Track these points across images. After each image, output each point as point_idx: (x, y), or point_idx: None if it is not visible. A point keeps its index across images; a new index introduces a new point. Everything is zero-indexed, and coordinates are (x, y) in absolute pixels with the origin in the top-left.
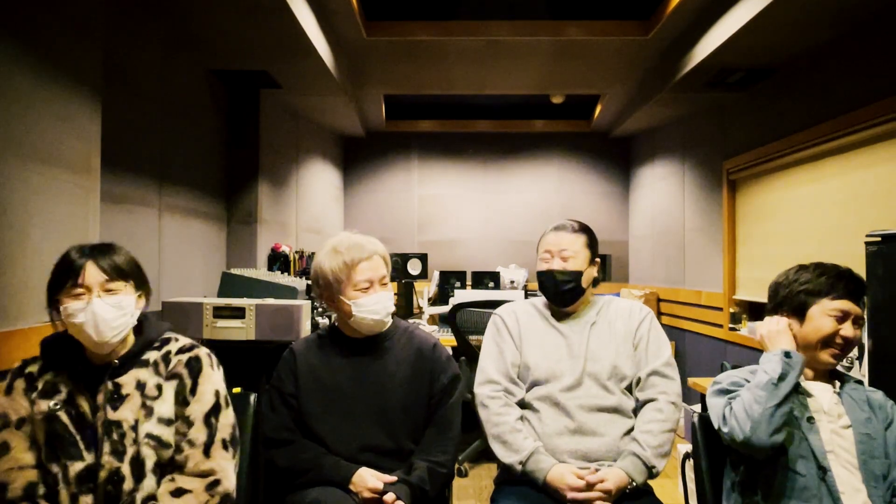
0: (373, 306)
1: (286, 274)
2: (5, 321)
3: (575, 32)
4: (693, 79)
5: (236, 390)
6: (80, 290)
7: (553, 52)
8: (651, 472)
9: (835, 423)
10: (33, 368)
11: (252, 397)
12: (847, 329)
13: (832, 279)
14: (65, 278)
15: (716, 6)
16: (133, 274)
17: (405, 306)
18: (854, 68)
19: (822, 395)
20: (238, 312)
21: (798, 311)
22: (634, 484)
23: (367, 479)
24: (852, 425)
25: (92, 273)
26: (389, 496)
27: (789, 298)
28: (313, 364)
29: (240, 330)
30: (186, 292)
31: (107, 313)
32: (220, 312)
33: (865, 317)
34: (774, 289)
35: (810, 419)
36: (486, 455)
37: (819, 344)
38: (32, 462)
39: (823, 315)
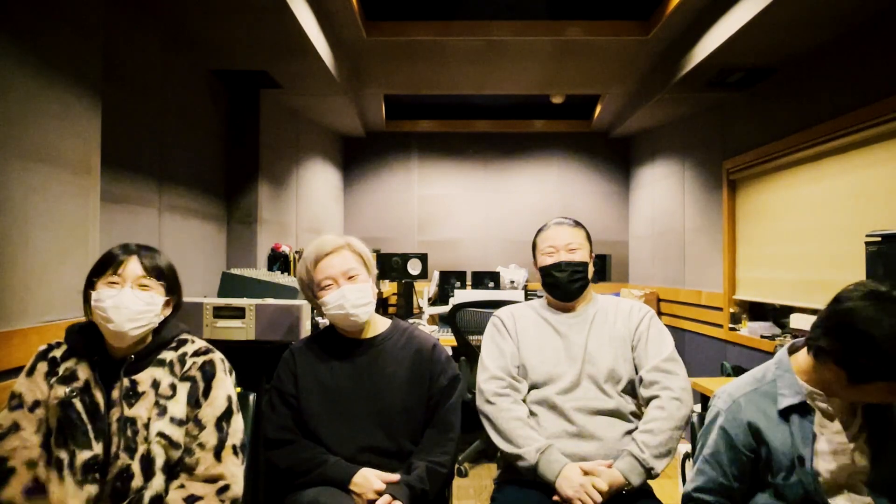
0: (336, 302)
1: (286, 274)
2: (5, 321)
3: (575, 32)
4: (693, 79)
5: (237, 390)
6: (115, 279)
7: (553, 52)
8: (649, 474)
9: (847, 450)
10: (57, 353)
11: (252, 397)
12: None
13: None
14: (105, 266)
15: (716, 6)
16: (168, 278)
17: (405, 306)
18: (854, 68)
19: (841, 415)
20: (238, 312)
21: (853, 374)
22: (630, 486)
23: (373, 480)
24: (868, 442)
25: (132, 267)
26: (385, 498)
27: (849, 359)
28: (313, 365)
29: (240, 330)
30: (186, 292)
31: (133, 304)
32: (220, 312)
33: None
34: (839, 321)
35: (801, 458)
36: (486, 455)
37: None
38: (37, 443)
39: (881, 392)
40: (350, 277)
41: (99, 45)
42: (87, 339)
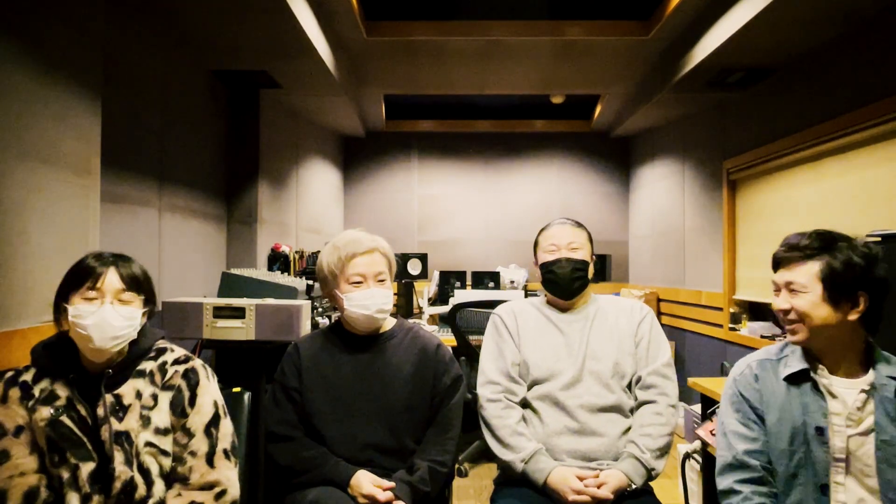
0: (363, 301)
1: (286, 274)
2: (5, 321)
3: (575, 32)
4: (693, 79)
5: (236, 390)
6: (94, 294)
7: (553, 52)
8: (650, 475)
9: (854, 427)
10: (27, 377)
11: (246, 396)
12: (779, 300)
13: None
14: (82, 279)
15: (716, 6)
16: (146, 288)
17: (405, 306)
18: (854, 68)
19: (846, 394)
20: (238, 312)
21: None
22: (633, 486)
23: (363, 484)
24: (875, 430)
25: (111, 280)
26: (384, 495)
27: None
28: (317, 360)
29: (240, 330)
30: (186, 292)
31: (115, 321)
32: (220, 312)
33: (808, 279)
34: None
35: (820, 429)
36: (486, 455)
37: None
38: (34, 467)
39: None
40: (380, 280)
41: (99, 45)
42: (56, 356)
